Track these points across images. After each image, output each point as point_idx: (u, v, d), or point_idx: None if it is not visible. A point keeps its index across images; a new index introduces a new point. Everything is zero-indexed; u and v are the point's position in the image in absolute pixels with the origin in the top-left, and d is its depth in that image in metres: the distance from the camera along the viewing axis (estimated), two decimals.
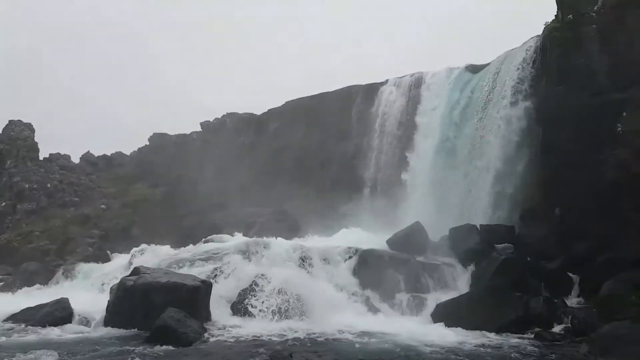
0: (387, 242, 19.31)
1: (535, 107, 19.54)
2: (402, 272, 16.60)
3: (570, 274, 15.64)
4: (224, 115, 37.36)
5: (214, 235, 21.17)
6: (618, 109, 15.87)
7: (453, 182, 22.14)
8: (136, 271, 14.49)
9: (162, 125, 73.53)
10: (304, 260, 17.02)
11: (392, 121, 27.52)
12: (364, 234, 21.33)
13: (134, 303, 13.28)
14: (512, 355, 10.84)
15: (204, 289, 13.93)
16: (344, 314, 14.34)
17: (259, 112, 36.00)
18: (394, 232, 19.64)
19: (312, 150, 30.93)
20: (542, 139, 18.33)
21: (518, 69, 20.97)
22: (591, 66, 17.12)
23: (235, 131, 35.55)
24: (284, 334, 12.61)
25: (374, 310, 15.22)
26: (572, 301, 14.96)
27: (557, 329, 13.26)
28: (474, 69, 24.53)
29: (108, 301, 13.94)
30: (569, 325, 13.27)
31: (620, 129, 15.61)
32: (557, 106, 17.58)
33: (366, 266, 16.97)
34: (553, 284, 15.20)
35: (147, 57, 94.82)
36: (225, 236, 20.92)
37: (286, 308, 14.48)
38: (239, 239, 19.53)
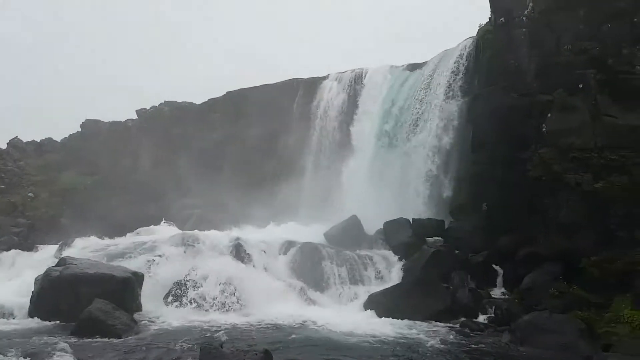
0: (325, 235, 19.66)
1: (468, 106, 20.25)
2: (338, 265, 16.90)
3: (495, 267, 16.37)
4: (161, 103, 36.37)
5: (148, 227, 20.74)
6: (544, 110, 16.63)
7: (389, 177, 22.61)
8: (63, 262, 14.08)
9: (96, 112, 70.75)
10: (240, 252, 16.98)
11: (332, 115, 27.77)
12: (302, 227, 21.51)
13: (60, 294, 12.92)
14: (439, 343, 11.31)
15: (134, 280, 13.69)
16: (280, 305, 14.45)
17: (198, 102, 35.39)
18: (332, 225, 19.95)
19: (252, 141, 30.70)
20: (473, 137, 18.96)
21: (453, 68, 21.67)
22: (520, 68, 17.83)
23: (173, 120, 34.71)
24: (218, 325, 12.63)
25: (309, 301, 15.41)
26: (496, 292, 15.65)
27: (481, 318, 13.96)
28: (413, 67, 25.08)
29: (32, 292, 13.44)
30: (493, 315, 13.99)
31: (545, 129, 16.37)
32: (488, 105, 18.21)
33: (303, 258, 17.17)
34: (479, 276, 15.85)
35: (80, 40, 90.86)
36: (160, 228, 20.54)
37: (221, 299, 14.47)
38: (173, 230, 19.20)
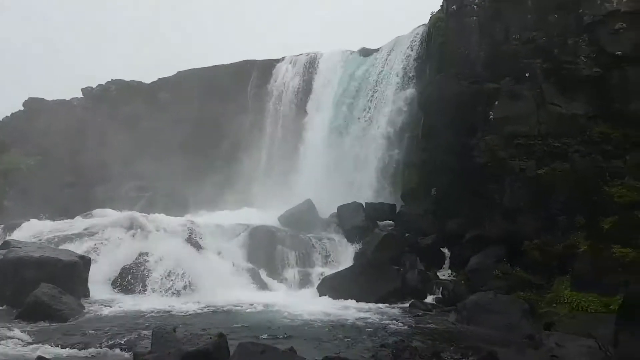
0: (279, 218, 19.65)
1: (419, 93, 20.58)
2: (292, 248, 17.02)
3: (443, 249, 16.91)
4: (108, 81, 35.10)
5: (96, 210, 20.16)
6: (491, 98, 17.11)
7: (343, 161, 22.81)
8: (6, 245, 13.62)
9: (39, 90, 67.51)
10: (193, 236, 16.77)
11: (287, 98, 27.63)
12: (256, 211, 21.45)
13: (4, 278, 12.53)
14: (389, 323, 11.58)
15: (81, 264, 13.41)
16: (233, 289, 14.40)
17: (148, 81, 34.41)
18: (286, 208, 19.98)
19: (205, 123, 30.14)
20: (423, 123, 19.31)
21: (405, 55, 21.95)
22: (470, 56, 18.23)
23: (121, 99, 33.62)
24: (170, 309, 12.50)
25: (262, 285, 15.45)
26: (444, 274, 16.20)
27: (429, 299, 14.43)
28: (366, 53, 25.22)
29: None
30: (440, 295, 14.48)
31: (492, 116, 16.87)
32: (438, 92, 18.54)
33: (256, 242, 17.13)
34: (428, 258, 16.33)
35: (22, 15, 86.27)
36: (108, 211, 20.00)
37: (172, 284, 14.32)
38: (122, 213, 18.71)
